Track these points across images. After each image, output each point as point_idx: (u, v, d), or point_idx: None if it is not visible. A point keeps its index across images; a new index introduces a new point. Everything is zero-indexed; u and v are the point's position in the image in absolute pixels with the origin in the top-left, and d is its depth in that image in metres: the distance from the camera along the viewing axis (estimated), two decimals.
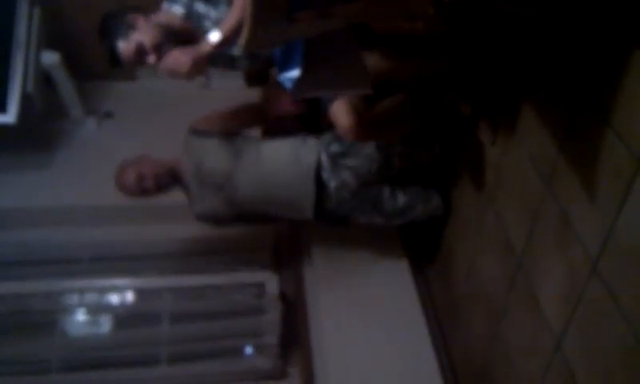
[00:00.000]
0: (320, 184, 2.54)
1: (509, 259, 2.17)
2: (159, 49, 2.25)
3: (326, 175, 2.53)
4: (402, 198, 2.62)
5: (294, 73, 1.71)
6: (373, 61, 1.87)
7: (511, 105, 2.09)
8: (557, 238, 1.84)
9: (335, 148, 2.52)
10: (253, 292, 2.93)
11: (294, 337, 2.85)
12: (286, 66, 1.81)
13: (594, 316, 1.67)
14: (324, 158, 2.53)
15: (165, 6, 2.31)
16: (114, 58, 2.29)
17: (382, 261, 3.02)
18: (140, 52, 2.25)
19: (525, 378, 2.10)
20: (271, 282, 2.92)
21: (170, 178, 2.64)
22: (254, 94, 3.42)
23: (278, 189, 2.58)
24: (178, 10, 2.28)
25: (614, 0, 1.52)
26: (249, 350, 2.82)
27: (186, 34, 2.29)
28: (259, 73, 2.77)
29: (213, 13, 2.27)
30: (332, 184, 2.53)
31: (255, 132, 2.83)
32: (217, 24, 2.21)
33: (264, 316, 2.84)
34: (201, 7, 2.28)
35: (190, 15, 2.29)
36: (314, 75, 1.62)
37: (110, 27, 2.27)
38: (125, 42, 2.24)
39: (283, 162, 2.57)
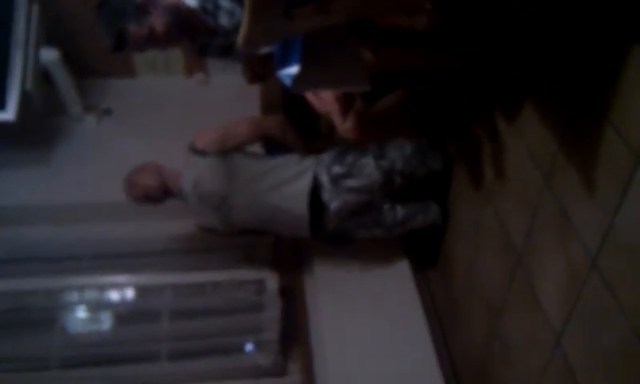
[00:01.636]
0: (320, 205, 2.54)
1: (508, 256, 2.17)
2: (171, 36, 2.18)
3: (327, 196, 2.52)
4: (401, 211, 2.62)
5: (293, 69, 1.70)
6: (372, 55, 1.86)
7: (510, 100, 2.09)
8: (556, 233, 1.84)
9: (337, 169, 2.52)
10: (253, 289, 2.93)
11: (294, 334, 2.85)
12: (284, 62, 1.80)
13: (594, 312, 1.67)
14: (325, 180, 2.52)
15: None
16: (119, 42, 2.11)
17: (381, 258, 3.02)
18: (152, 38, 2.11)
19: (525, 375, 2.10)
20: (271, 279, 2.92)
21: (166, 194, 2.68)
22: (253, 91, 3.43)
23: (273, 210, 2.58)
24: (190, 0, 2.13)
25: None
26: (249, 346, 2.82)
27: (194, 23, 2.21)
28: (259, 70, 2.75)
29: (238, 10, 2.13)
30: (333, 205, 2.53)
31: (254, 147, 2.81)
32: (231, 18, 2.14)
33: (264, 313, 2.84)
34: (225, 2, 2.15)
35: (205, 8, 2.15)
36: (312, 72, 1.62)
37: (116, 7, 2.09)
38: (136, 25, 2.07)
39: (278, 183, 2.56)
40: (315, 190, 2.53)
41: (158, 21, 2.10)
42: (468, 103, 2.33)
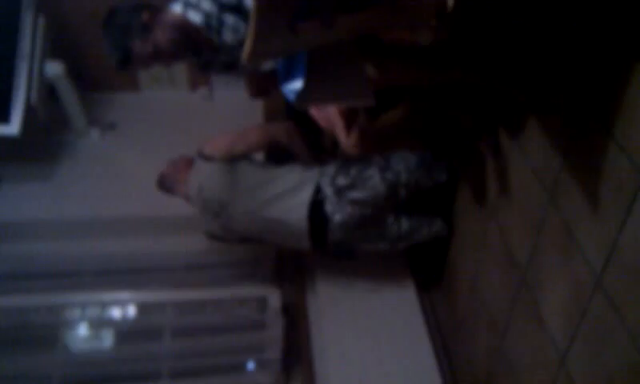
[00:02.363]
0: (323, 217, 2.53)
1: (512, 273, 2.16)
2: (175, 52, 2.20)
3: (330, 208, 2.51)
4: (405, 223, 2.61)
5: (297, 84, 1.70)
6: (375, 71, 1.86)
7: (513, 117, 2.08)
8: (560, 251, 1.83)
9: (341, 181, 2.51)
10: (255, 306, 2.91)
11: (296, 352, 2.83)
12: (288, 77, 1.81)
13: (599, 331, 1.65)
14: (329, 191, 2.51)
15: (176, 7, 2.15)
16: (125, 59, 2.14)
17: (384, 275, 3.01)
18: (156, 54, 2.14)
19: None
20: (273, 297, 2.90)
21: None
22: (257, 106, 3.43)
23: (272, 221, 2.58)
24: (194, 17, 2.12)
25: (615, 13, 1.51)
26: (251, 364, 2.81)
27: (198, 39, 2.21)
28: (262, 85, 2.75)
29: (242, 26, 2.13)
30: (337, 217, 2.51)
31: (260, 155, 2.82)
32: (236, 34, 2.14)
33: (266, 331, 2.83)
34: (230, 19, 2.15)
35: (209, 25, 2.14)
36: (316, 87, 1.61)
37: (122, 25, 2.12)
38: (141, 42, 2.10)
39: (279, 194, 2.56)
40: (318, 202, 2.52)
41: (162, 37, 2.11)
42: (471, 120, 2.33)
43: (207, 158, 2.59)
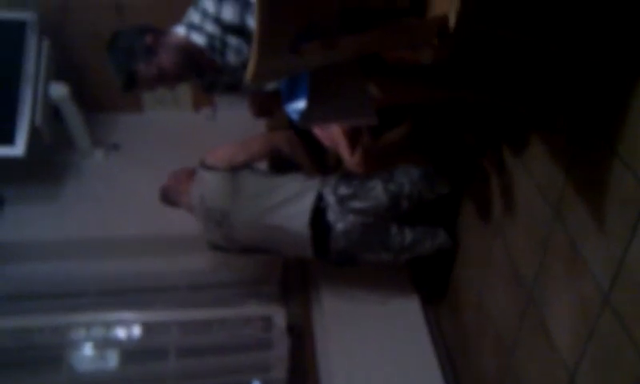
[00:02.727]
0: (326, 225, 2.53)
1: (519, 291, 2.14)
2: (179, 74, 2.21)
3: (332, 217, 2.51)
4: (409, 235, 2.60)
5: (300, 104, 1.71)
6: (378, 90, 1.86)
7: (517, 134, 2.08)
8: (567, 269, 1.82)
9: (344, 190, 2.51)
10: (260, 325, 2.90)
11: (302, 371, 2.82)
12: (291, 97, 1.81)
13: (608, 349, 1.64)
14: (331, 200, 2.51)
15: (179, 30, 2.19)
16: (129, 81, 2.16)
17: (390, 293, 2.99)
18: (161, 77, 2.16)
19: None
20: (279, 316, 2.89)
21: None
22: (260, 125, 3.44)
23: (275, 229, 2.57)
24: (198, 39, 2.15)
25: (618, 29, 1.52)
26: None
27: (201, 61, 2.23)
28: (265, 104, 2.76)
29: (245, 48, 2.15)
30: (339, 226, 2.51)
31: (263, 165, 2.82)
32: (239, 56, 2.16)
33: (272, 350, 2.81)
34: (233, 41, 2.17)
35: (212, 46, 2.17)
36: (319, 106, 1.61)
37: (126, 48, 2.14)
38: (145, 65, 2.13)
39: (281, 202, 2.55)
40: (320, 211, 2.52)
41: (166, 60, 2.13)
42: (474, 137, 2.33)
43: (209, 168, 2.60)
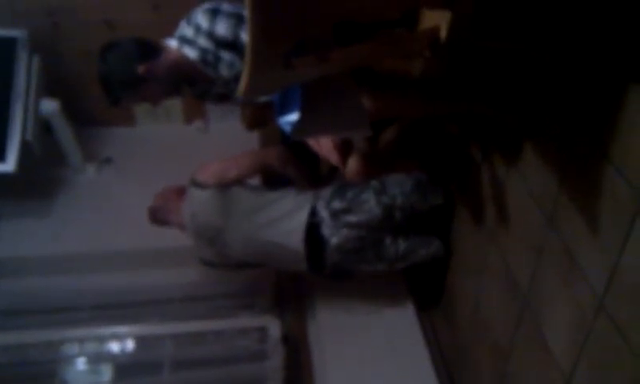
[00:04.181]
0: (320, 240, 2.53)
1: (514, 298, 2.15)
2: (170, 93, 2.23)
3: (327, 231, 2.51)
4: (403, 244, 2.60)
5: (293, 116, 1.71)
6: (371, 102, 1.87)
7: (510, 141, 2.09)
8: (562, 274, 1.82)
9: (337, 204, 2.51)
10: (255, 337, 2.89)
11: (298, 382, 2.81)
12: (284, 109, 1.82)
13: (604, 354, 1.64)
14: (325, 215, 2.51)
15: (171, 43, 2.20)
16: (114, 102, 2.22)
17: (385, 302, 2.99)
18: (147, 99, 2.23)
19: None
20: (273, 326, 2.88)
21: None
22: (253, 138, 3.44)
23: (269, 245, 2.57)
24: (190, 53, 2.15)
25: (610, 36, 1.53)
26: None
27: (194, 75, 2.24)
28: (258, 116, 2.76)
29: (238, 62, 2.14)
30: (334, 240, 2.51)
31: (255, 180, 2.82)
32: (231, 69, 2.17)
33: (267, 361, 2.80)
34: (226, 55, 2.17)
35: (205, 60, 2.17)
36: (313, 118, 1.62)
37: (116, 75, 2.16)
38: (133, 93, 2.18)
39: (275, 218, 2.55)
40: (314, 226, 2.52)
41: (154, 92, 2.17)
42: (458, 127, 2.34)
43: (200, 186, 2.58)
